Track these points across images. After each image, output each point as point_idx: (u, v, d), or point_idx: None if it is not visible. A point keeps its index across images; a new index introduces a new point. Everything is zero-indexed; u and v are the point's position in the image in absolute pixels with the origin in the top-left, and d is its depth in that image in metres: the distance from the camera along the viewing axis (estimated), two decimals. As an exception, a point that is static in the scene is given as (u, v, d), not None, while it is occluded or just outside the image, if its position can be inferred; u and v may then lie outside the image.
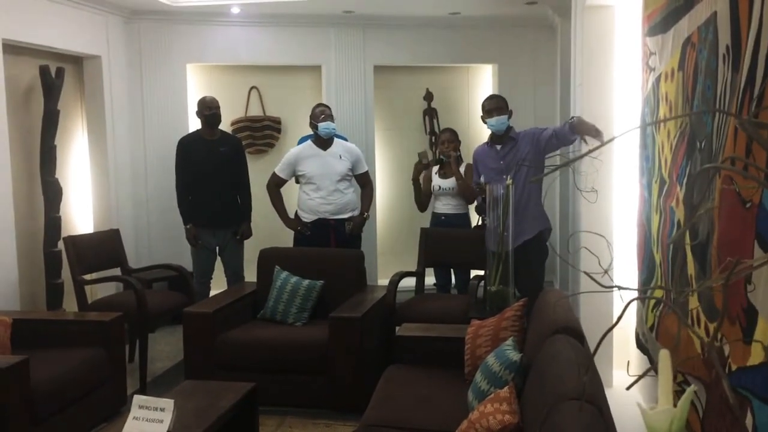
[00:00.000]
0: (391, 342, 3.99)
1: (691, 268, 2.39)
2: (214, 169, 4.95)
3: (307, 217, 4.86)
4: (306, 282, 4.22)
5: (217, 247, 5.10)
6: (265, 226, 5.61)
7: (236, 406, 2.92)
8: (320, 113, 4.84)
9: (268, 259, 4.46)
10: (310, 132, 5.00)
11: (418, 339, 3.53)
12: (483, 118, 4.37)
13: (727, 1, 1.95)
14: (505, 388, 2.48)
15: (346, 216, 4.89)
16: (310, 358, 3.81)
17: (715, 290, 2.08)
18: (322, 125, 4.79)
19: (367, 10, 5.89)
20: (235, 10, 5.73)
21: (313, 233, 4.83)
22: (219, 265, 5.17)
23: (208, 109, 4.96)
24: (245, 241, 5.16)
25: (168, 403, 2.59)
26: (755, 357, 1.71)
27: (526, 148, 4.17)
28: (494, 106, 4.30)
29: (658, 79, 2.88)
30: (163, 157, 5.57)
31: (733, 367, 1.91)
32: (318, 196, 4.81)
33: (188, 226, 4.97)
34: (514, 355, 2.67)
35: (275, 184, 4.93)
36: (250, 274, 4.99)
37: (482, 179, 4.25)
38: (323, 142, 4.86)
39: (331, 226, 4.85)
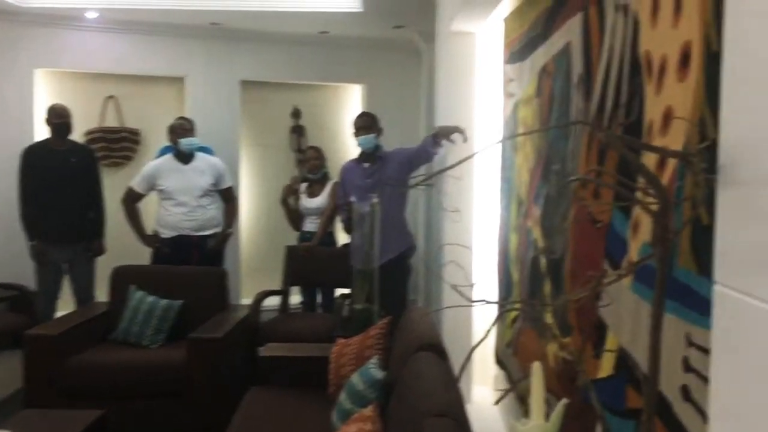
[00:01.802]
0: (254, 363, 3.87)
1: (546, 286, 2.49)
2: (63, 180, 4.61)
3: (166, 234, 4.64)
4: (164, 302, 4.02)
5: (66, 265, 4.74)
6: (119, 242, 5.28)
7: (83, 437, 2.71)
8: (180, 127, 4.67)
9: (123, 277, 4.20)
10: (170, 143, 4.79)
11: (282, 359, 3.45)
12: (354, 135, 4.39)
13: (579, 32, 2.06)
14: (369, 407, 2.46)
15: (208, 232, 4.72)
16: (167, 381, 3.62)
17: (569, 306, 2.18)
18: (184, 140, 4.61)
19: (235, 24, 5.78)
20: (92, 15, 5.42)
21: (174, 250, 4.62)
22: (67, 285, 4.82)
23: (58, 118, 4.64)
24: (97, 259, 4.85)
25: (3, 436, 2.36)
26: (604, 370, 1.79)
27: (393, 168, 4.21)
28: (362, 124, 4.33)
29: (517, 105, 3.01)
30: (4, 169, 5.12)
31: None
32: (179, 211, 4.62)
33: (33, 243, 4.59)
34: (378, 374, 2.66)
35: (131, 199, 4.68)
36: (103, 294, 4.70)
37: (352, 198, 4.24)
38: (184, 156, 4.68)
39: (193, 243, 4.66)
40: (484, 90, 3.73)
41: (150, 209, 4.91)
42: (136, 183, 4.65)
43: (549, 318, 2.41)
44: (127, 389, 3.61)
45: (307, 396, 3.17)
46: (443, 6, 4.04)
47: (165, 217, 4.63)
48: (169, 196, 4.60)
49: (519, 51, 2.97)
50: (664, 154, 0.77)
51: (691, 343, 1.26)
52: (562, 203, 2.29)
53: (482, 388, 3.84)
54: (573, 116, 2.12)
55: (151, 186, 4.63)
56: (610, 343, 1.77)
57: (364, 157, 4.37)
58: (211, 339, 3.62)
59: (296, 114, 6.54)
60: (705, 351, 1.21)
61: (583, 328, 2.01)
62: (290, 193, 5.09)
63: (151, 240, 4.68)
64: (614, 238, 1.74)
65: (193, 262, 4.62)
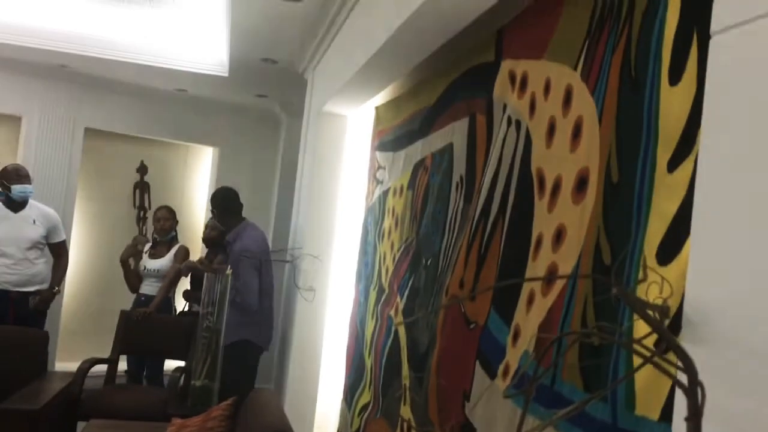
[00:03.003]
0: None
1: (405, 378, 2.49)
2: None
3: None
4: (-30, 364, 3.56)
5: None
6: None
7: None
8: (14, 172, 4.27)
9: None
10: None
11: (108, 439, 3.15)
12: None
13: (464, 136, 2.15)
14: (212, 500, 2.29)
15: (32, 289, 4.27)
16: (-34, 459, 3.16)
17: (430, 402, 2.18)
18: (17, 187, 4.20)
19: (86, 69, 5.45)
20: None
21: None
22: None
23: None
24: None
25: None
26: (471, 474, 1.79)
27: (234, 254, 3.94)
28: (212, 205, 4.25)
29: (385, 193, 3.06)
30: None
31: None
32: (2, 263, 4.16)
33: None
34: (222, 462, 2.49)
35: None
36: None
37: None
38: (14, 203, 4.25)
39: (11, 299, 4.20)
40: (349, 172, 3.77)
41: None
42: None
43: (407, 412, 2.40)
44: None
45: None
46: (315, 86, 4.08)
47: None
48: None
49: (392, 141, 3.05)
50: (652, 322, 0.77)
51: (574, 460, 1.29)
52: (429, 297, 2.32)
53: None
54: (451, 214, 2.18)
55: None
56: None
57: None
58: (26, 411, 3.23)
59: (142, 169, 6.23)
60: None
61: (446, 427, 2.01)
62: (133, 252, 4.77)
63: None
64: (490, 340, 1.78)
65: (8, 320, 4.15)
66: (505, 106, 1.85)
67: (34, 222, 4.31)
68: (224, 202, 4.13)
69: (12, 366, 3.69)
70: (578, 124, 1.48)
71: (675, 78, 1.15)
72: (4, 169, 4.31)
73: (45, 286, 4.36)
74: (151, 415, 3.59)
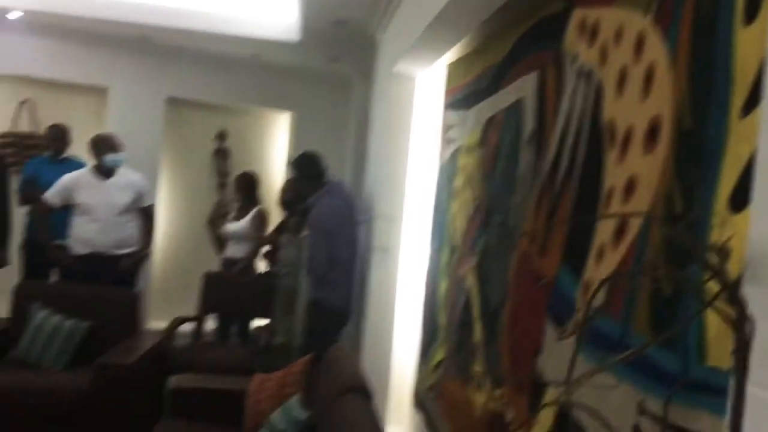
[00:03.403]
0: (164, 394, 3.69)
1: (477, 335, 2.51)
2: None
3: (79, 250, 4.39)
4: (69, 322, 3.80)
5: None
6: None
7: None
8: (106, 141, 4.47)
9: (26, 294, 3.95)
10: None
11: (195, 391, 3.31)
12: None
13: (534, 91, 2.11)
14: (292, 450, 2.39)
15: (124, 251, 4.51)
16: (68, 409, 3.39)
17: (503, 357, 2.20)
18: (109, 156, 4.41)
19: (166, 40, 5.63)
20: (14, 15, 5.15)
21: (85, 268, 4.37)
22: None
23: None
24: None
25: None
26: (542, 426, 1.80)
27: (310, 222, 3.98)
28: (292, 167, 4.21)
29: (457, 151, 3.05)
30: None
31: (516, 433, 2.01)
32: (94, 228, 4.39)
33: None
34: (301, 414, 2.59)
35: (44, 211, 4.37)
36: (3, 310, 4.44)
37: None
38: (105, 171, 4.47)
39: (106, 261, 4.44)
40: (421, 132, 3.77)
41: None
42: (50, 194, 4.36)
43: (479, 367, 2.42)
44: (22, 414, 3.36)
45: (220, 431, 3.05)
46: (386, 47, 4.08)
47: (79, 232, 4.39)
48: (85, 211, 4.37)
49: (462, 99, 3.02)
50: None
51: (643, 411, 1.28)
52: (502, 255, 2.32)
53: (396, 427, 3.82)
54: (522, 171, 2.16)
55: (66, 199, 4.37)
56: (550, 398, 1.78)
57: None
58: (119, 365, 3.43)
59: (221, 136, 6.41)
60: (657, 419, 1.24)
61: (518, 381, 2.02)
62: (218, 215, 4.99)
63: (58, 253, 4.39)
64: (560, 295, 1.77)
65: (104, 281, 4.40)
66: (575, 57, 1.81)
67: (124, 188, 4.52)
68: (302, 167, 4.17)
69: (108, 324, 3.92)
70: (650, 72, 1.43)
71: (749, 16, 1.10)
72: (97, 137, 4.52)
73: (134, 248, 4.59)
74: (235, 370, 3.74)
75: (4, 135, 5.53)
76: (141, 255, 4.62)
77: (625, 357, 0.62)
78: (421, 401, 3.35)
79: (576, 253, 1.68)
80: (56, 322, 3.77)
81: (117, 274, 4.45)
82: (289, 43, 5.24)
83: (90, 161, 4.55)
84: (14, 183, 5.22)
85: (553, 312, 1.82)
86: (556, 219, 1.83)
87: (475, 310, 2.56)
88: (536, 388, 1.89)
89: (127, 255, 4.51)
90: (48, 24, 5.34)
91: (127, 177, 4.58)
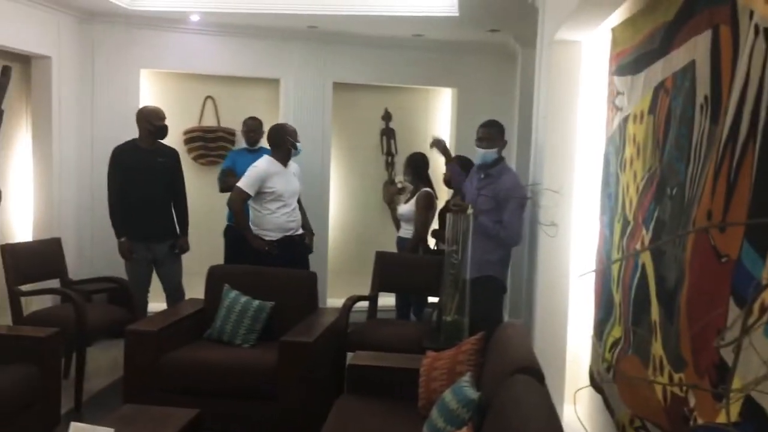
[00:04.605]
0: (343, 370, 3.88)
1: (654, 314, 2.37)
2: (151, 180, 4.79)
3: (272, 236, 4.71)
4: (256, 302, 4.09)
5: (154, 262, 4.91)
6: (194, 240, 5.32)
7: (180, 435, 2.77)
8: (294, 132, 4.81)
9: (217, 276, 4.31)
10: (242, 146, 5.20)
11: (372, 369, 3.44)
12: (476, 144, 4.16)
13: (707, 51, 1.94)
14: (464, 429, 2.41)
15: (301, 232, 4.89)
16: (259, 383, 3.66)
17: (682, 339, 2.06)
18: (299, 145, 4.80)
19: (330, 27, 5.82)
20: (195, 18, 5.57)
21: (282, 251, 4.70)
22: (155, 279, 4.99)
23: (160, 120, 4.79)
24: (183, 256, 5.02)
25: (108, 433, 2.44)
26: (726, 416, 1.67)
27: (500, 191, 3.96)
28: (484, 135, 4.10)
29: (625, 120, 2.88)
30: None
31: (699, 421, 1.89)
32: (284, 213, 4.72)
33: (122, 240, 4.76)
34: (473, 393, 2.60)
35: (242, 200, 4.69)
36: (188, 290, 4.97)
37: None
38: (285, 159, 4.77)
39: (296, 243, 4.77)
40: (587, 101, 3.60)
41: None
42: (246, 185, 4.64)
43: (658, 349, 2.29)
44: (220, 388, 3.68)
45: (396, 408, 3.15)
46: (547, 13, 3.92)
47: (271, 219, 4.70)
48: (278, 198, 4.68)
49: (630, 63, 2.84)
50: None
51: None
52: (676, 229, 2.16)
53: (571, 407, 3.73)
54: (696, 139, 2.00)
55: (259, 188, 4.67)
56: (737, 386, 1.65)
57: (482, 166, 4.14)
58: (303, 343, 3.64)
59: (387, 116, 6.54)
60: None
61: (700, 366, 1.89)
62: (393, 194, 5.35)
63: (261, 242, 4.70)
64: (744, 274, 1.63)
65: (295, 262, 4.68)
66: (751, 13, 1.63)
67: (295, 175, 4.83)
68: (499, 134, 4.14)
69: (288, 303, 4.18)
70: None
71: None
72: (283, 128, 4.81)
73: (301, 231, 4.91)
74: (408, 348, 3.84)
75: (192, 130, 6.03)
76: (312, 234, 5.02)
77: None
78: (597, 382, 3.24)
79: (761, 228, 1.53)
80: (245, 303, 4.08)
81: (303, 254, 4.77)
82: (449, 19, 5.22)
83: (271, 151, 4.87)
84: (210, 175, 5.75)
85: (736, 292, 1.67)
86: (735, 194, 1.68)
87: (651, 288, 2.42)
88: (720, 373, 1.76)
89: (303, 236, 4.85)
90: (223, 24, 5.72)
91: (293, 165, 4.86)
